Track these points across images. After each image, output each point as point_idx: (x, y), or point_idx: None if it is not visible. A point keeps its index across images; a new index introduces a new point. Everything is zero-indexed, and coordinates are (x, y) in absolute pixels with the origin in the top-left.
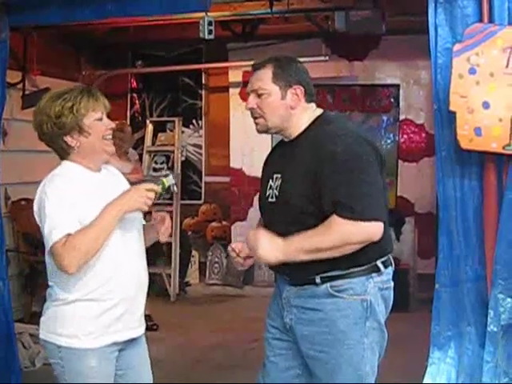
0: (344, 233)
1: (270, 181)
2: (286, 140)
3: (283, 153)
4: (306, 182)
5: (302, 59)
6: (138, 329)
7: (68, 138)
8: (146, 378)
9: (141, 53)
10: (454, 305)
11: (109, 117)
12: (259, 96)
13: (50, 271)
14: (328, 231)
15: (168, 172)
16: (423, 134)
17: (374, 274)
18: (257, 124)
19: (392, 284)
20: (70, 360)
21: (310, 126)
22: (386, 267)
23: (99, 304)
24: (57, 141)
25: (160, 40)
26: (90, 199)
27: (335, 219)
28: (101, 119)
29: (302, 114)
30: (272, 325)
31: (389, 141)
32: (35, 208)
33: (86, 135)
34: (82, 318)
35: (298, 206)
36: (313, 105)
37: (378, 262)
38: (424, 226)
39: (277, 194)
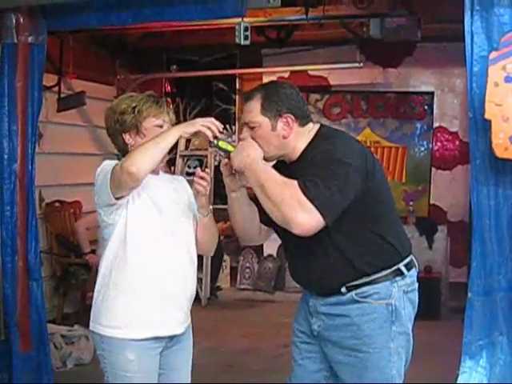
0: (287, 197)
1: None
2: (288, 162)
3: (287, 173)
4: None
5: (336, 65)
6: (182, 325)
7: (126, 136)
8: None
9: (175, 57)
10: (486, 314)
11: None
12: (251, 128)
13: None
14: (282, 183)
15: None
16: (457, 142)
17: (397, 278)
18: None
19: (417, 285)
20: (111, 351)
21: (308, 145)
22: (408, 270)
23: (138, 295)
24: (117, 137)
25: (195, 45)
26: (139, 197)
27: (297, 183)
28: (161, 126)
29: (298, 139)
30: (300, 330)
31: (422, 148)
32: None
33: (142, 136)
34: (122, 307)
35: None
36: (308, 126)
37: (401, 266)
38: (456, 235)
39: None
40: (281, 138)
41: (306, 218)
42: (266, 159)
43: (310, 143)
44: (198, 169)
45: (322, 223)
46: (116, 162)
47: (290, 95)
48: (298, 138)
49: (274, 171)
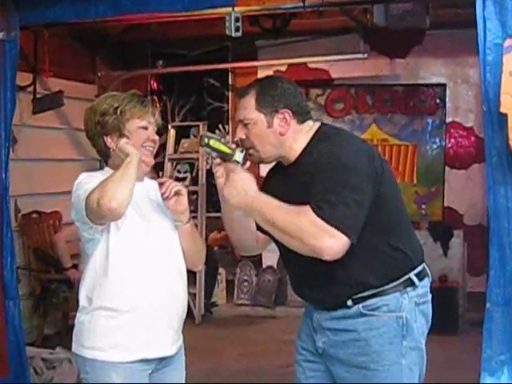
0: (304, 225)
1: None
2: (285, 164)
3: (285, 179)
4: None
5: (338, 57)
6: (173, 346)
7: (108, 139)
8: None
9: (162, 52)
10: (507, 326)
11: (157, 133)
12: (246, 126)
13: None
14: (293, 214)
15: (243, 149)
16: (472, 138)
17: (408, 289)
18: (250, 155)
19: (430, 297)
20: (95, 374)
21: (307, 146)
22: (420, 279)
23: (123, 315)
24: (98, 140)
25: (182, 37)
26: None
27: (307, 208)
28: (145, 128)
29: (296, 137)
30: (303, 347)
31: (434, 146)
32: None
33: (126, 140)
34: (105, 328)
35: None
36: (307, 123)
37: (412, 275)
38: (474, 240)
39: None
40: (278, 135)
41: (332, 242)
42: (263, 160)
43: (308, 143)
44: (159, 180)
45: (348, 243)
46: (94, 174)
47: (287, 89)
48: (297, 136)
49: (277, 201)
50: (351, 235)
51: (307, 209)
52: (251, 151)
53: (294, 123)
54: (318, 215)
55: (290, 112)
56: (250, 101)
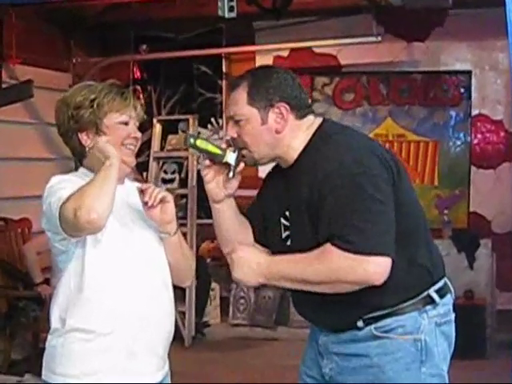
0: (335, 266)
1: (282, 219)
2: (284, 167)
3: (286, 184)
4: (314, 223)
5: (348, 40)
6: (157, 373)
7: (83, 136)
8: None
9: (145, 35)
10: None
11: (140, 129)
12: (237, 123)
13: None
14: (317, 261)
15: (236, 149)
16: (502, 133)
17: (428, 307)
18: (243, 156)
19: (453, 316)
20: None
21: (307, 145)
22: (441, 296)
23: (100, 336)
24: (71, 137)
25: (169, 18)
26: None
27: (328, 248)
28: (126, 124)
29: (295, 135)
30: (308, 373)
31: (458, 142)
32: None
33: (103, 136)
34: (80, 352)
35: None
36: (308, 119)
37: (431, 292)
38: (504, 250)
39: (290, 236)
40: (273, 132)
41: (372, 268)
42: (257, 162)
43: (309, 142)
44: (140, 186)
45: (389, 260)
46: (68, 178)
47: (283, 80)
48: (295, 133)
49: (291, 255)
50: (389, 252)
51: (329, 248)
52: (244, 152)
53: (292, 118)
54: (346, 249)
55: (286, 106)
56: (242, 94)
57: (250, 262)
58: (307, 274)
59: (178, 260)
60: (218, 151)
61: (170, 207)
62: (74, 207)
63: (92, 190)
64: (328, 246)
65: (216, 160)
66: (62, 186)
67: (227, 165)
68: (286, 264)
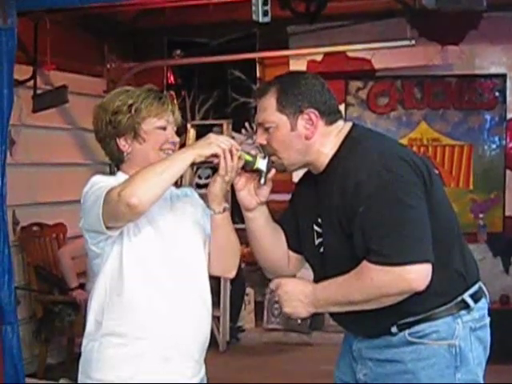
0: (377, 283)
1: (315, 226)
2: (315, 173)
3: (317, 191)
4: (346, 231)
5: (382, 44)
6: (193, 378)
7: (121, 141)
8: None
9: (179, 40)
10: None
11: (177, 133)
12: (267, 130)
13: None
14: (358, 280)
15: (266, 156)
16: None
17: (462, 312)
18: (272, 163)
19: (488, 320)
20: None
21: (337, 151)
22: (476, 301)
23: (134, 341)
24: (110, 142)
25: (203, 24)
26: (137, 221)
27: (366, 266)
28: (164, 128)
29: (324, 141)
30: (342, 379)
31: (493, 146)
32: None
33: (141, 141)
34: (116, 358)
35: (349, 259)
36: (337, 125)
37: (466, 296)
38: None
39: (323, 243)
40: (303, 139)
41: (415, 276)
42: (286, 168)
43: (338, 149)
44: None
45: (429, 266)
46: (108, 177)
47: (312, 86)
48: (325, 139)
49: (333, 281)
50: (427, 258)
51: (367, 265)
52: (273, 158)
53: (322, 125)
54: (384, 264)
55: (316, 112)
56: (270, 101)
57: (298, 295)
58: (353, 295)
59: (224, 245)
60: (249, 158)
61: (219, 187)
62: (120, 189)
63: (142, 176)
64: (365, 263)
65: (247, 167)
66: (106, 179)
67: (258, 171)
68: (331, 289)
